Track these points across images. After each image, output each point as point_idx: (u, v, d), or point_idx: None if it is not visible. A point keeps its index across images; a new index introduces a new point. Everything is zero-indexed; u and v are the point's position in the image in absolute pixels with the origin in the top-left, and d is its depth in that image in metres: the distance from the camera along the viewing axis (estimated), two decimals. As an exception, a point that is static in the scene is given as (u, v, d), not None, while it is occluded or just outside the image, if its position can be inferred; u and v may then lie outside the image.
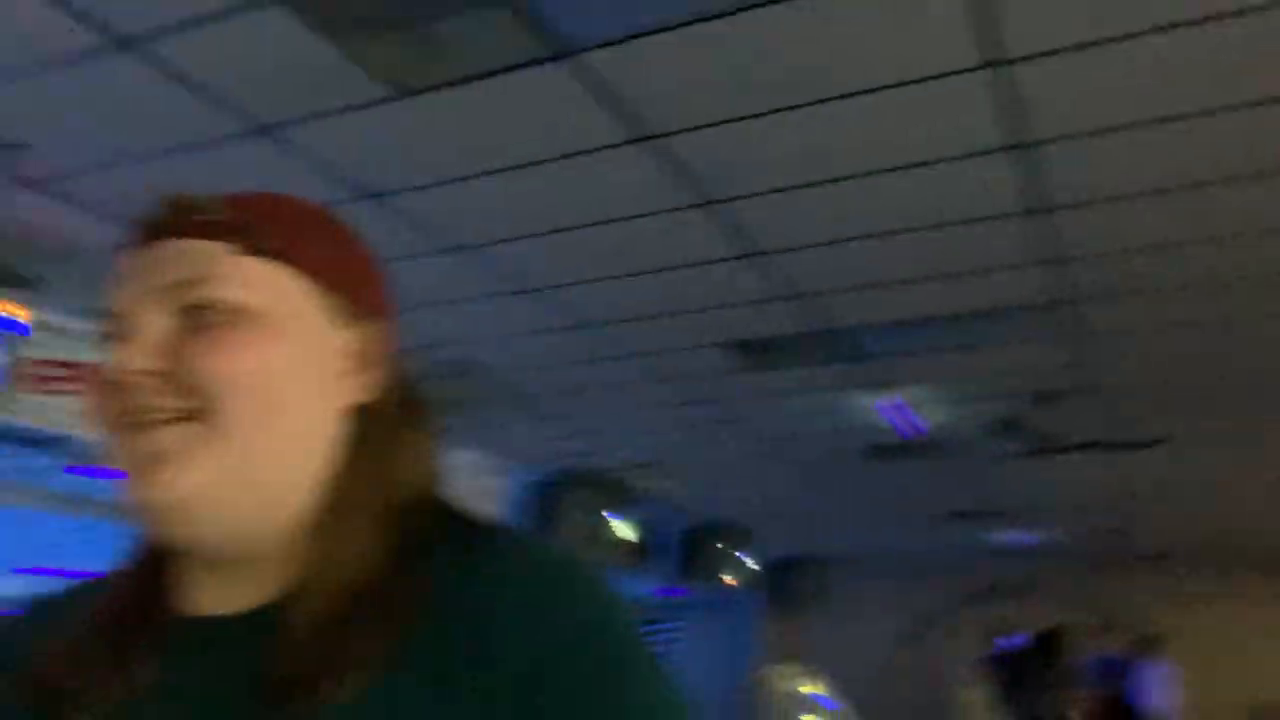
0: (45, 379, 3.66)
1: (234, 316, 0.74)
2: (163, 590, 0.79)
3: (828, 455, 6.30)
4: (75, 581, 0.87)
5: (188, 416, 0.72)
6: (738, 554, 9.09)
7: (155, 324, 0.74)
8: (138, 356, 0.73)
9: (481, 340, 4.26)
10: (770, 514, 8.26)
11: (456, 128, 2.64)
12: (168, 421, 0.72)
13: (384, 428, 0.80)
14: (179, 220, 0.76)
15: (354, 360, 0.79)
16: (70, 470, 5.34)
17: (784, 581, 10.45)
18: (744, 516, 8.42)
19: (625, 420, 5.60)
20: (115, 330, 0.76)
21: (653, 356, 4.49)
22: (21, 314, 3.34)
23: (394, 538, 0.77)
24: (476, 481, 5.77)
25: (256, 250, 0.76)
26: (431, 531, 0.78)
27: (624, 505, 7.15)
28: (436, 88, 2.45)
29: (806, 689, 7.75)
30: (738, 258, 3.41)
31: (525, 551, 0.77)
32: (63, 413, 3.76)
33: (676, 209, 3.06)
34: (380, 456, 0.79)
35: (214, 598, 0.77)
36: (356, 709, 0.68)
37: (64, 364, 3.71)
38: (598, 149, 2.72)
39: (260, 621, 0.73)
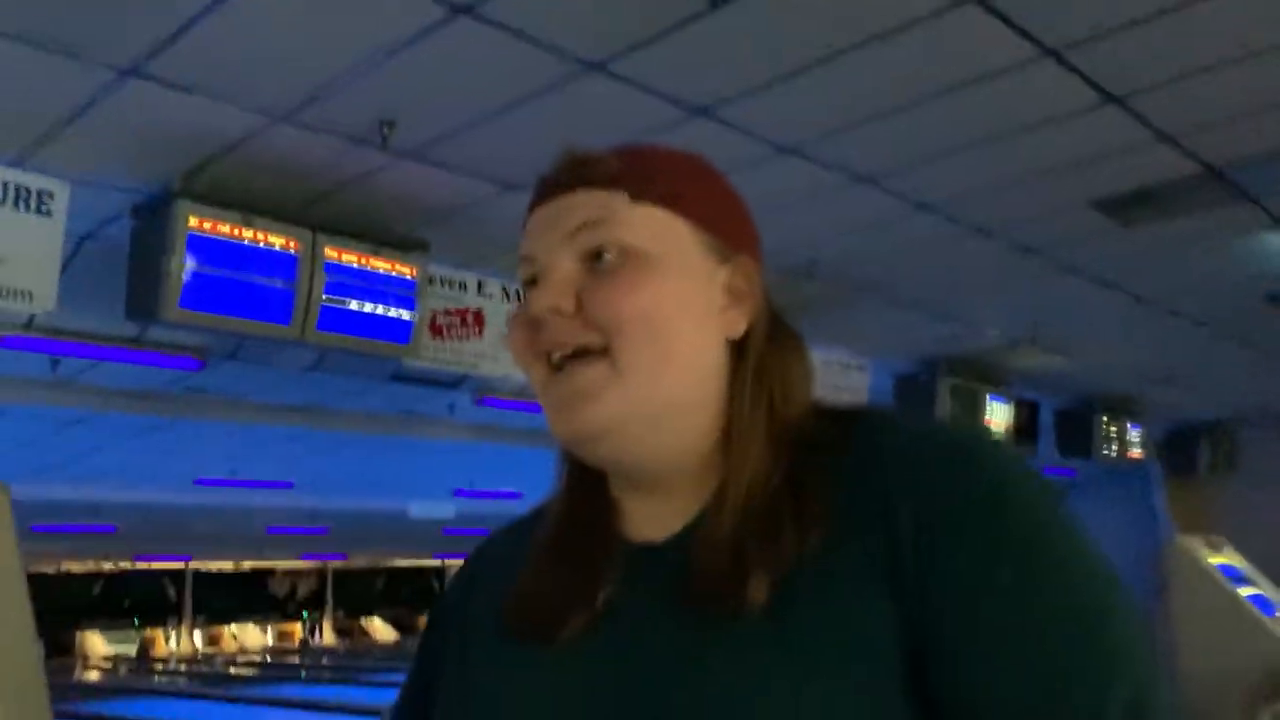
0: (444, 327, 4.09)
1: (629, 258, 0.81)
2: (602, 519, 0.89)
3: (1224, 308, 5.69)
4: (522, 515, 0.99)
5: (593, 350, 0.81)
6: (1128, 425, 8.49)
7: (562, 268, 0.83)
8: (550, 296, 0.82)
9: (829, 238, 4.22)
10: (1163, 379, 7.61)
11: (773, 26, 2.61)
12: (576, 355, 0.81)
13: (762, 352, 0.86)
14: (576, 174, 0.85)
15: (732, 294, 0.86)
16: (482, 403, 5.98)
17: (1184, 450, 9.61)
18: (1134, 385, 7.82)
19: (992, 299, 5.36)
20: (530, 274, 0.85)
21: (1014, 228, 4.24)
22: (409, 272, 3.74)
23: (785, 449, 0.82)
24: (842, 379, 5.78)
25: (645, 197, 0.83)
26: (817, 436, 0.82)
27: (1002, 387, 6.88)
28: (749, -10, 2.43)
29: (1219, 560, 7.13)
30: (1093, 108, 3.12)
31: (909, 431, 0.81)
32: (464, 354, 4.20)
33: (1022, 65, 2.84)
34: (763, 379, 0.85)
35: (643, 525, 0.86)
36: (770, 609, 0.74)
37: (455, 312, 4.13)
38: (923, 17, 2.58)
39: (683, 544, 0.81)
